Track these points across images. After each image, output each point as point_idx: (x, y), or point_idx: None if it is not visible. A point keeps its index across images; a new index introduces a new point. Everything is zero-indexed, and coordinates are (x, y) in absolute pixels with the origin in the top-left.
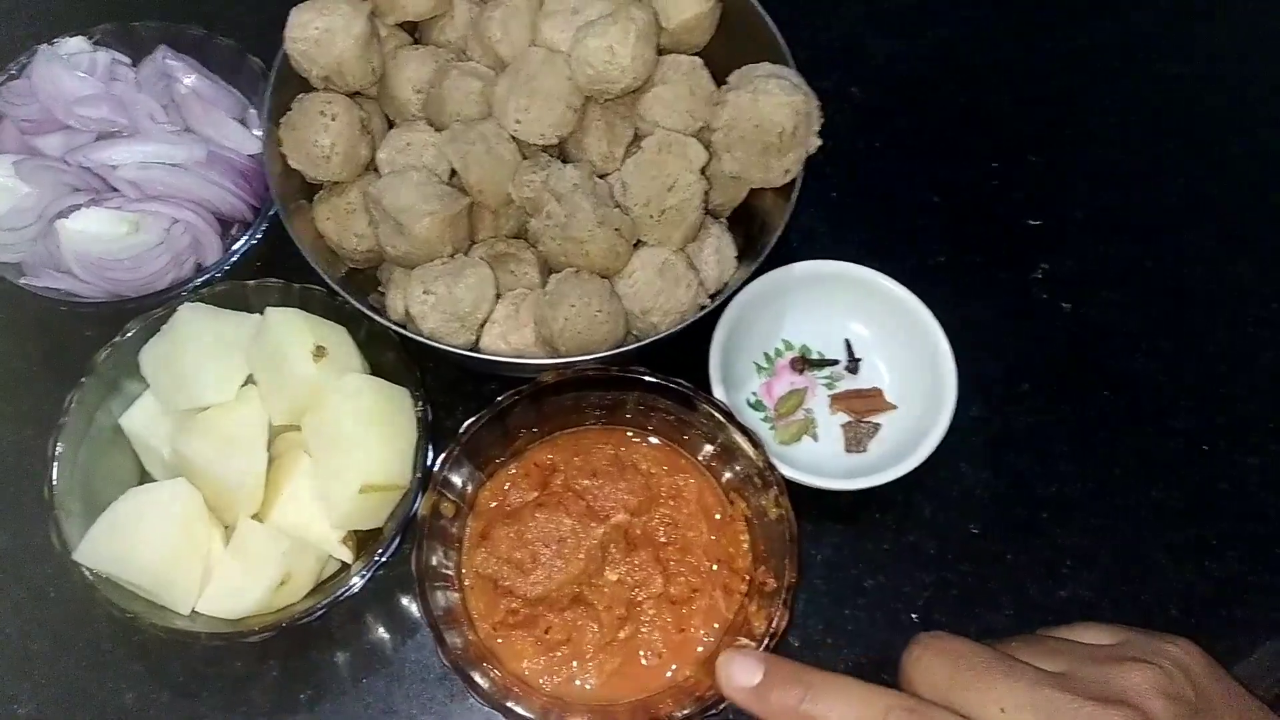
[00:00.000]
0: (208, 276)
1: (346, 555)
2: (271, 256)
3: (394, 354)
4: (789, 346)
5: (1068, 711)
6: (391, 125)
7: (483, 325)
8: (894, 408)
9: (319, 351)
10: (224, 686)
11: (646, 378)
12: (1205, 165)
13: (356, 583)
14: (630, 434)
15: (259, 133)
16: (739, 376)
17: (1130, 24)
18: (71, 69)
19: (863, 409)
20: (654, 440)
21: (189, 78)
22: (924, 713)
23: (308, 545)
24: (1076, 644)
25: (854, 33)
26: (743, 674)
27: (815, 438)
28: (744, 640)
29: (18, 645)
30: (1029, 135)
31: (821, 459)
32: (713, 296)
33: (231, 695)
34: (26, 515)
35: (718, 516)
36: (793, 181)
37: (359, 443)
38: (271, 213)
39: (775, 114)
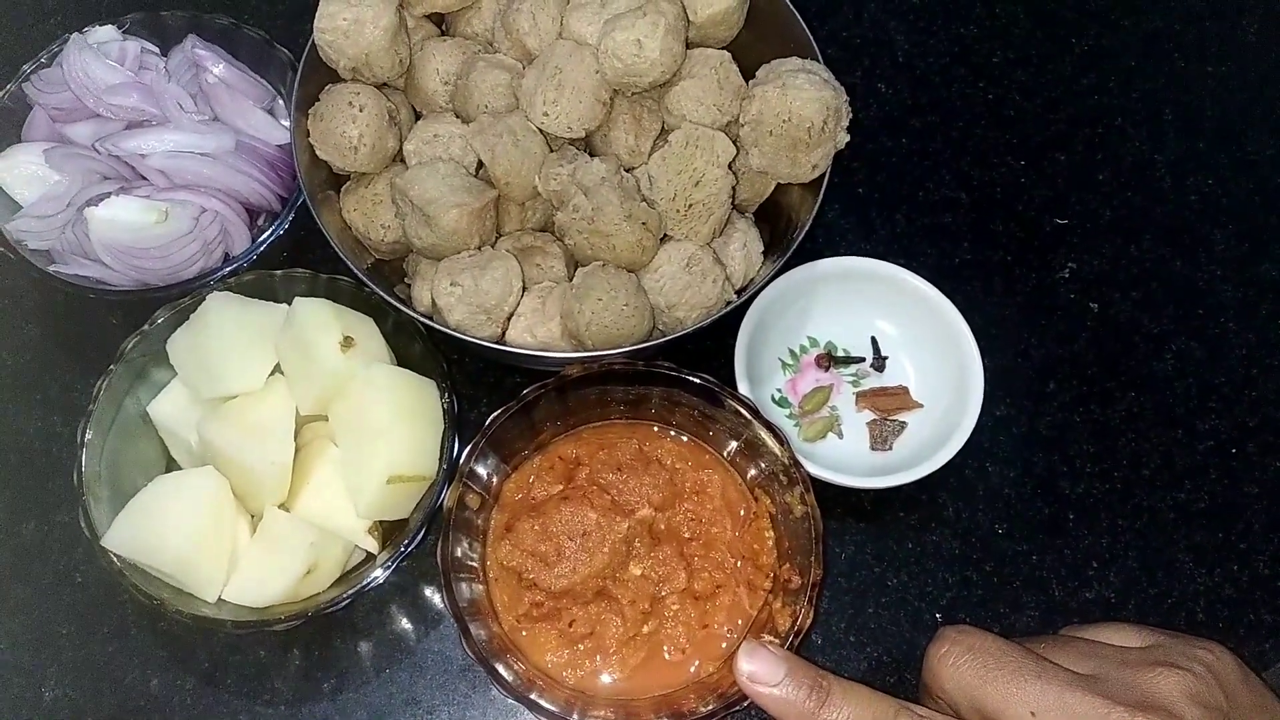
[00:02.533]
0: (235, 266)
1: (372, 546)
2: (297, 246)
3: (420, 345)
4: (814, 343)
5: (1098, 716)
6: (419, 116)
7: (509, 318)
8: (920, 406)
9: (347, 342)
10: (248, 674)
11: (672, 373)
12: (1231, 164)
13: (381, 574)
14: (655, 429)
15: (286, 123)
16: (764, 372)
17: (1156, 22)
18: (102, 58)
19: (888, 407)
20: (678, 435)
21: (217, 67)
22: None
23: (334, 535)
24: (1106, 646)
25: (880, 29)
26: (766, 671)
27: (840, 435)
28: (768, 637)
29: (46, 628)
30: (1055, 133)
31: (846, 456)
32: (739, 292)
33: (255, 683)
34: (53, 501)
35: (742, 513)
36: (820, 177)
37: (386, 434)
38: (299, 203)
39: (805, 109)
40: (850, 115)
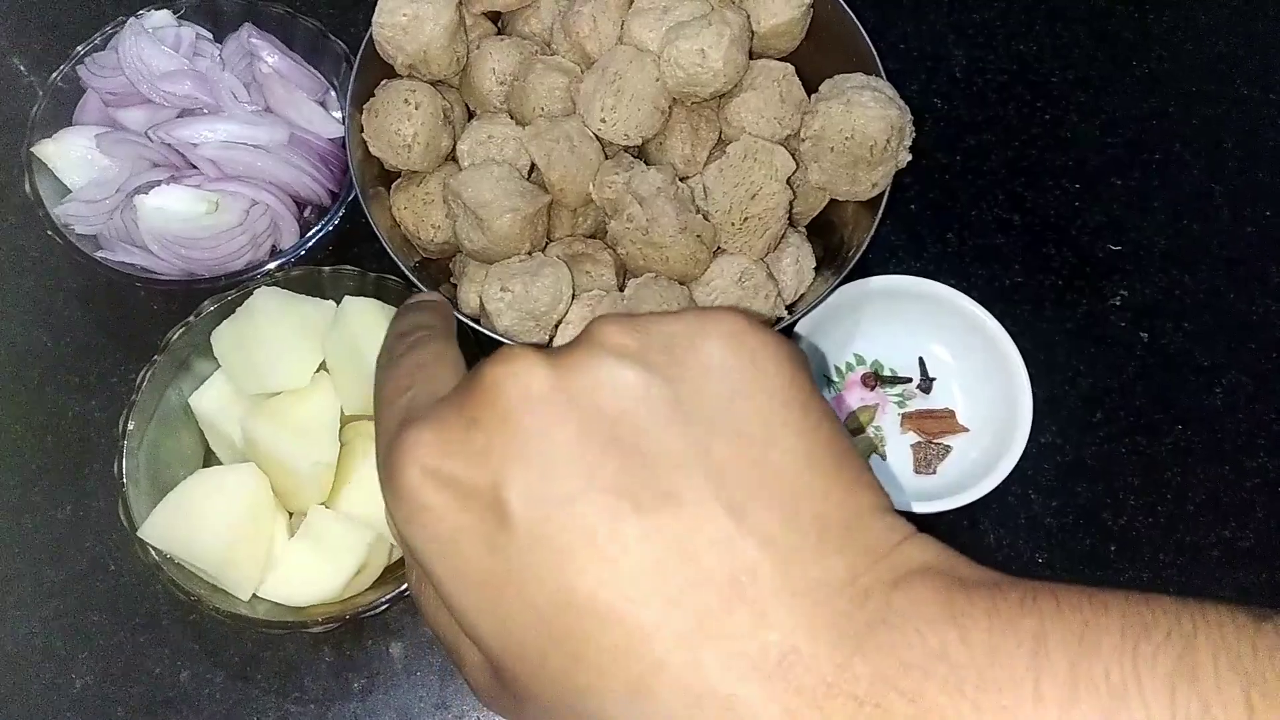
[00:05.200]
0: (283, 260)
1: None
2: (342, 242)
3: (466, 349)
4: (860, 361)
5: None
6: (472, 115)
7: (557, 325)
8: (966, 430)
9: None
10: (278, 670)
11: None
12: None
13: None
14: None
15: (338, 115)
16: None
17: (1220, 47)
18: (158, 43)
19: (933, 430)
20: None
21: (272, 57)
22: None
23: (382, 535)
24: None
25: (939, 43)
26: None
27: (883, 456)
28: None
29: (77, 615)
30: (1112, 158)
31: (889, 478)
32: (789, 308)
33: (285, 680)
34: (88, 487)
35: None
36: (879, 195)
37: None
38: (350, 199)
39: (869, 127)
40: (913, 135)
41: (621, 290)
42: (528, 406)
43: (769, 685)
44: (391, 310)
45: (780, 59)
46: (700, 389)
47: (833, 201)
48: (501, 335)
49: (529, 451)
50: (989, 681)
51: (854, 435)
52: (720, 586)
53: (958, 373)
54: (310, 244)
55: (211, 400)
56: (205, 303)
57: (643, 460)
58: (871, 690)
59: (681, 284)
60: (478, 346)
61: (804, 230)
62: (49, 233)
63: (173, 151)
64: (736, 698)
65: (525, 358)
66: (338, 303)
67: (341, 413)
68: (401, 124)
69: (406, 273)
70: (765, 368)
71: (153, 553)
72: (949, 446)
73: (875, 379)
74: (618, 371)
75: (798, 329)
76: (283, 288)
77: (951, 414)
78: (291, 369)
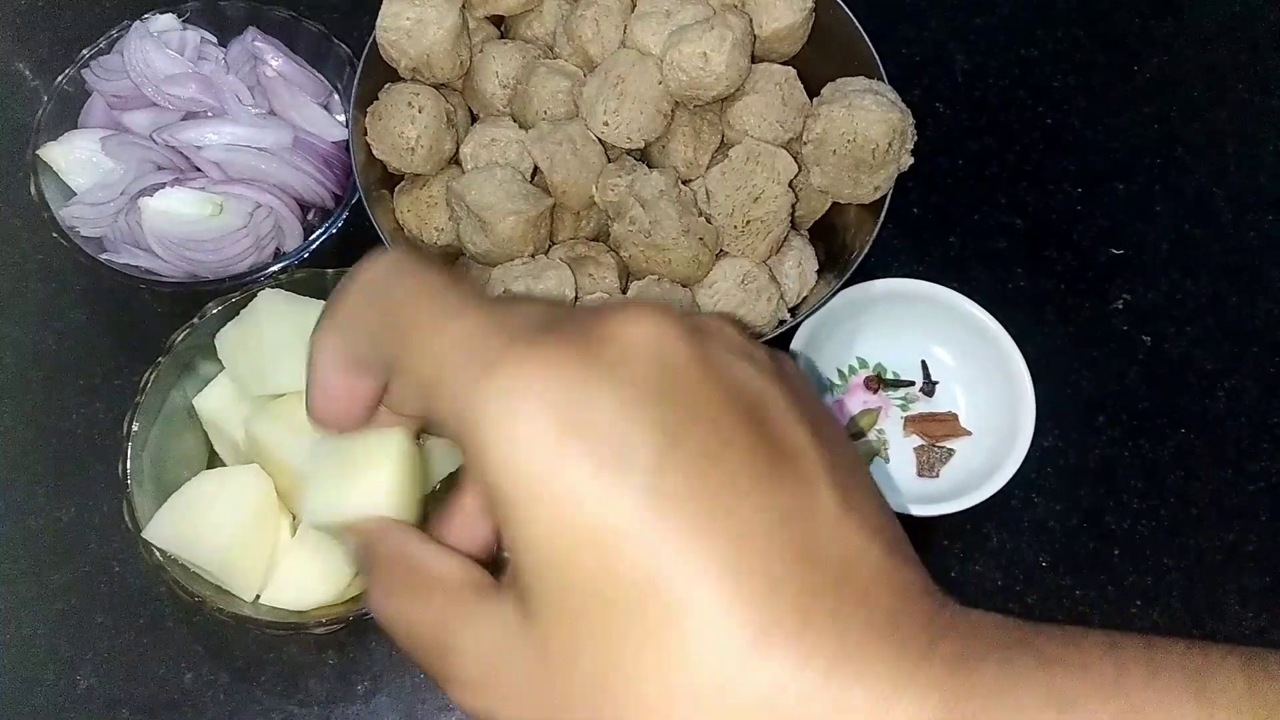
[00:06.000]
0: (287, 263)
1: None
2: (346, 245)
3: None
4: (864, 364)
5: (493, 343)
6: (475, 119)
7: None
8: (969, 434)
9: None
10: (282, 673)
11: None
12: None
13: None
14: None
15: (342, 119)
16: None
17: (1221, 53)
18: (163, 47)
19: (936, 433)
20: None
21: (276, 61)
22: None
23: None
24: None
25: (941, 48)
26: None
27: (886, 459)
28: None
29: (81, 617)
30: (1115, 162)
31: (892, 481)
32: (792, 311)
33: (289, 682)
34: (92, 489)
35: None
36: (881, 199)
37: (434, 437)
38: (354, 201)
39: (870, 130)
40: (915, 138)
41: (624, 293)
42: (671, 370)
43: (880, 643)
44: None
45: (782, 63)
46: (800, 395)
47: (835, 205)
48: None
49: (669, 408)
50: (1070, 650)
51: (856, 439)
52: (833, 563)
53: (960, 376)
54: (314, 246)
55: (215, 401)
56: (209, 305)
57: (772, 438)
58: (967, 648)
59: (684, 286)
60: None
61: (806, 233)
62: (54, 235)
63: (177, 154)
64: (848, 655)
65: (660, 318)
66: None
67: None
68: (405, 127)
69: None
70: (816, 391)
71: (157, 554)
72: (952, 450)
73: (878, 382)
74: (740, 363)
75: (800, 333)
76: (287, 290)
77: (954, 417)
78: (295, 371)
